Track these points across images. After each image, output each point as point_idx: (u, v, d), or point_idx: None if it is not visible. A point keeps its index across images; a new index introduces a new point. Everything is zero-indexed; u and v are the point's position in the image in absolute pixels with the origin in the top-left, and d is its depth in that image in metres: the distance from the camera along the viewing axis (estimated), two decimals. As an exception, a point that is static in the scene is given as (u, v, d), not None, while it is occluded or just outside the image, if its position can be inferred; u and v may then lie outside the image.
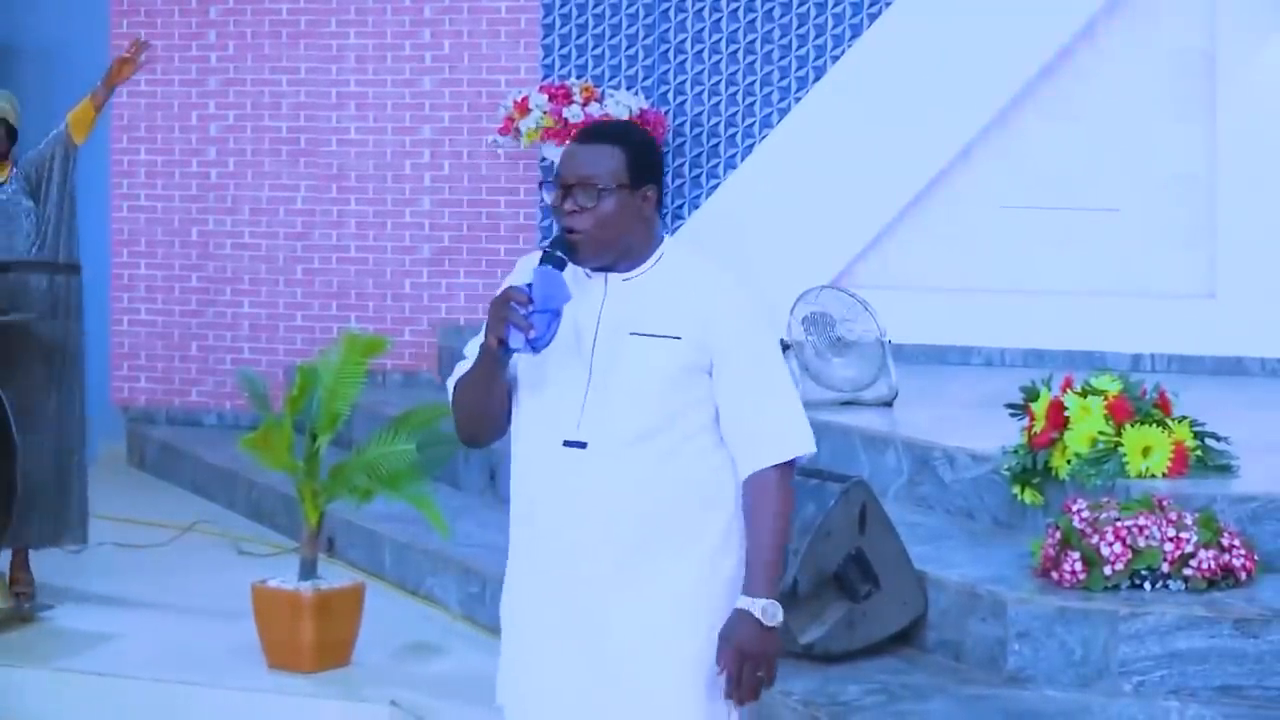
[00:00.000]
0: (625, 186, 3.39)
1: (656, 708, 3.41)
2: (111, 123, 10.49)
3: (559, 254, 3.36)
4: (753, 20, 9.72)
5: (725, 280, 3.45)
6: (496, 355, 3.36)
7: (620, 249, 3.42)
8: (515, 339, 3.28)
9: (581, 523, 3.40)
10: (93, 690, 6.11)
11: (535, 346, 3.29)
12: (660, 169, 3.50)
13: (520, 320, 3.27)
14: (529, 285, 3.32)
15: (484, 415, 3.50)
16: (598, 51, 9.88)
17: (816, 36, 9.58)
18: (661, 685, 3.41)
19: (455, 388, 3.53)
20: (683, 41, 9.79)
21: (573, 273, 3.40)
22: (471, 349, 3.50)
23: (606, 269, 3.44)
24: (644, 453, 3.37)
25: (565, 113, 9.26)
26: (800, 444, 3.45)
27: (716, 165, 9.70)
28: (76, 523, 7.14)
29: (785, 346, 7.40)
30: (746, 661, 3.37)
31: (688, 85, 9.78)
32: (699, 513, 3.44)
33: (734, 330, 3.42)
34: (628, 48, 9.85)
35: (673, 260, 3.47)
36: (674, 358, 3.38)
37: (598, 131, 3.51)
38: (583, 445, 3.38)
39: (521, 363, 3.44)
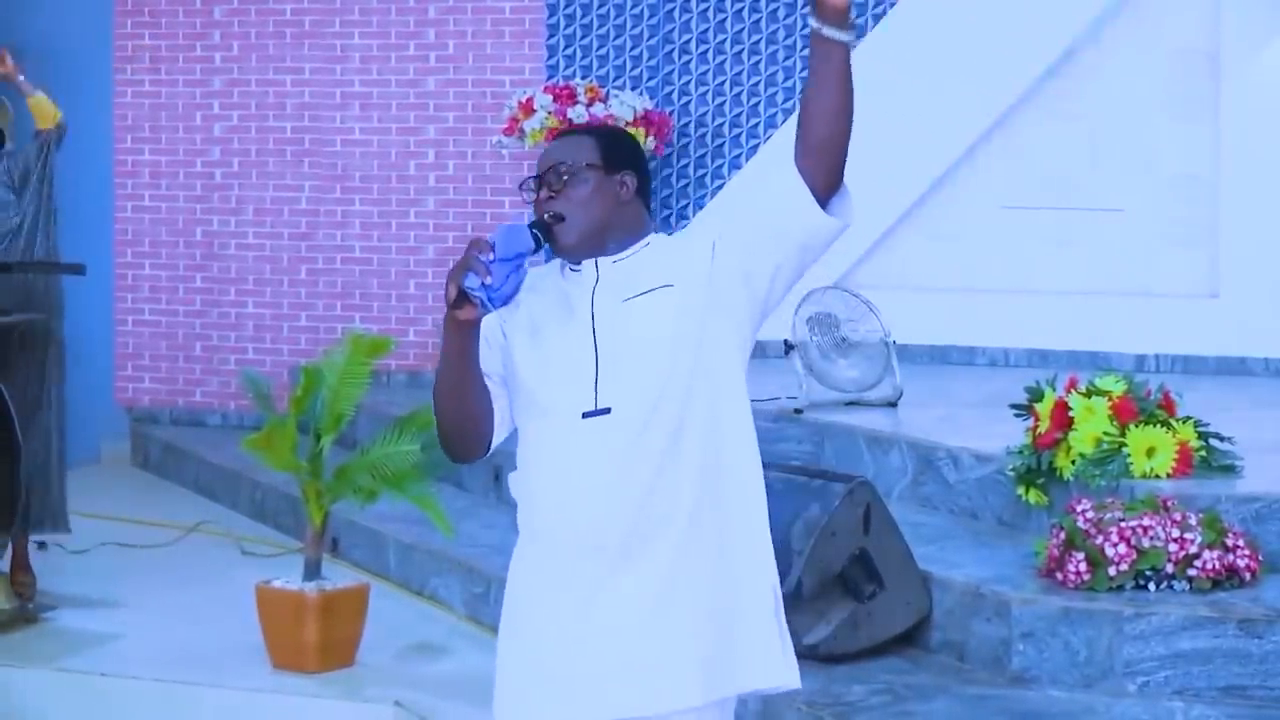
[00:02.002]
0: (597, 167, 3.36)
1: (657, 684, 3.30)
2: (115, 123, 10.51)
3: (534, 232, 3.30)
4: (757, 20, 9.72)
5: (690, 225, 3.47)
6: (461, 321, 3.23)
7: (602, 233, 3.36)
8: (472, 280, 3.19)
9: (609, 488, 3.28)
10: (96, 690, 6.11)
11: (492, 296, 3.20)
12: (639, 160, 3.46)
13: (479, 266, 3.19)
14: (494, 239, 3.27)
15: (461, 403, 3.35)
16: (602, 52, 9.88)
17: (820, 37, 9.57)
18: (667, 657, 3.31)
19: (434, 391, 3.40)
20: (687, 42, 9.79)
21: (560, 265, 3.38)
22: None
23: (595, 254, 3.38)
24: (664, 419, 3.29)
25: (570, 113, 9.24)
26: None
27: (721, 165, 9.69)
28: (58, 508, 7.15)
29: (789, 347, 7.40)
30: None
31: (692, 85, 9.78)
32: (704, 497, 3.32)
33: (716, 223, 3.39)
34: (632, 48, 9.85)
35: (658, 244, 3.43)
36: (671, 304, 3.31)
37: (567, 130, 3.57)
38: (606, 411, 3.29)
39: (517, 353, 3.37)
